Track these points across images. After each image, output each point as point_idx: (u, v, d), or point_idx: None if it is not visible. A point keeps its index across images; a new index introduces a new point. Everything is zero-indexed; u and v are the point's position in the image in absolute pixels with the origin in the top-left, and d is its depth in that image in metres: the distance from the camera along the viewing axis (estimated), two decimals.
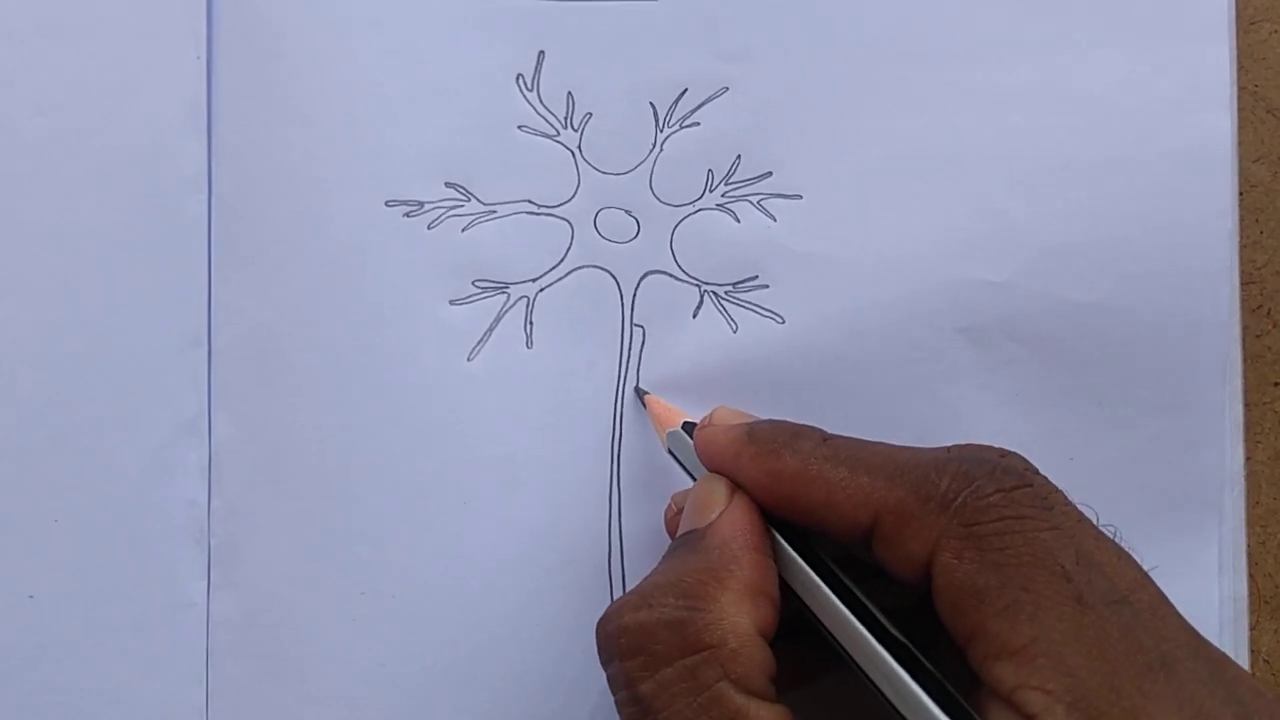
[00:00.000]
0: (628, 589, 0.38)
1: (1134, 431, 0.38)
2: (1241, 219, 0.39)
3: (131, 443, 0.37)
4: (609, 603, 0.37)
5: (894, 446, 0.30)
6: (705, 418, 0.34)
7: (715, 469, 0.32)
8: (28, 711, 0.37)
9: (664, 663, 0.28)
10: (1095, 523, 0.29)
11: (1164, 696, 0.25)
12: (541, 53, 0.39)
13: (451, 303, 0.38)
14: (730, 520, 0.31)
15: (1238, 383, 0.38)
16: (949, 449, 0.30)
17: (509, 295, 0.39)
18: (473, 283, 0.38)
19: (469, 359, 0.38)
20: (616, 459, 0.38)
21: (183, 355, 0.38)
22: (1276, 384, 0.39)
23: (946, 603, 0.28)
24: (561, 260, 0.39)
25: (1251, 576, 0.39)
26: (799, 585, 0.30)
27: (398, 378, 0.38)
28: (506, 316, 0.38)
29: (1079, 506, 0.29)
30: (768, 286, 0.39)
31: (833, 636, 0.29)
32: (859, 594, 0.30)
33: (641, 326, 0.39)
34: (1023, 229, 0.38)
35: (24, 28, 0.38)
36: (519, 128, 0.39)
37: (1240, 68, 0.39)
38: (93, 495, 0.37)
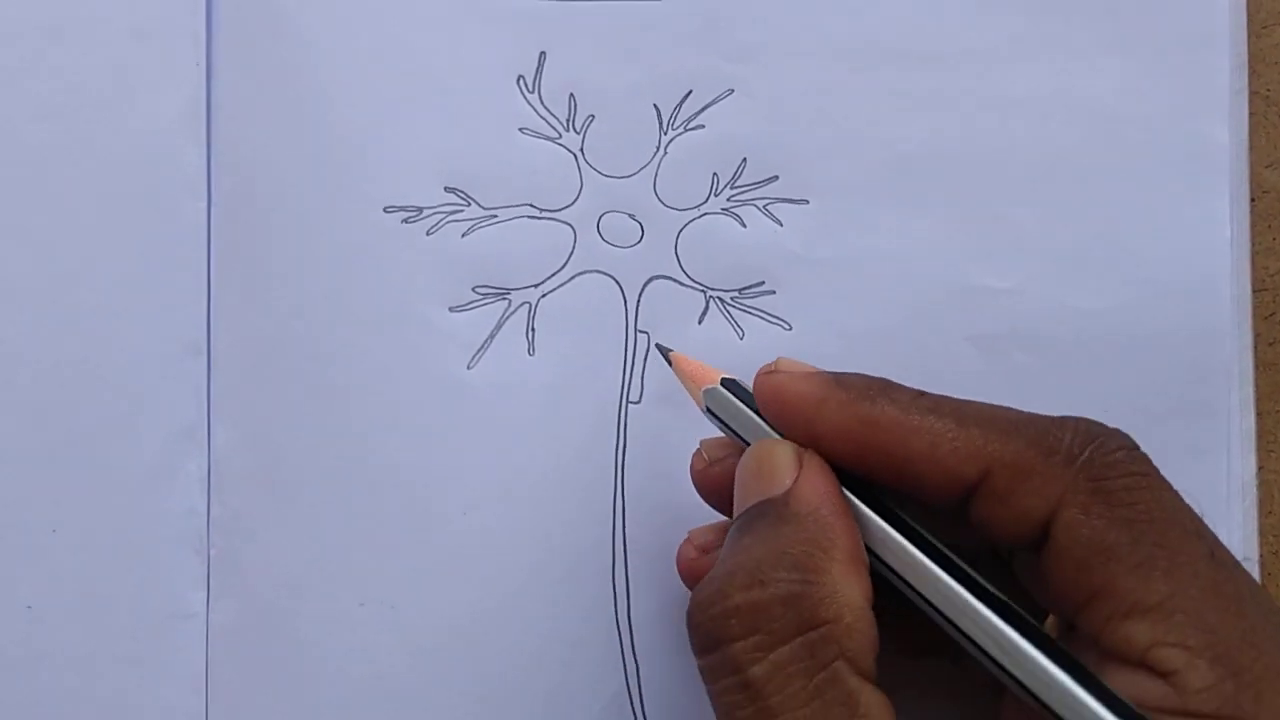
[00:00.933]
0: (632, 599, 0.37)
1: (1139, 439, 0.38)
2: (1254, 225, 0.38)
3: (130, 451, 0.37)
4: (611, 614, 0.37)
5: (994, 405, 0.29)
6: (767, 365, 0.31)
7: (788, 420, 0.30)
8: None
9: (780, 641, 0.26)
10: None
11: None
12: (543, 53, 0.38)
13: (452, 309, 0.38)
14: (812, 485, 0.28)
15: (1249, 391, 0.38)
16: (1059, 415, 0.29)
17: (510, 301, 0.38)
18: (473, 289, 0.38)
19: (470, 366, 0.38)
20: (620, 467, 0.38)
21: (182, 363, 0.37)
22: None
23: (1069, 561, 0.27)
24: (564, 265, 0.38)
25: (1264, 586, 0.38)
26: (883, 549, 0.28)
27: (398, 386, 0.38)
28: (508, 323, 0.38)
29: None
30: (774, 292, 0.38)
31: (928, 601, 0.27)
32: (950, 555, 0.28)
33: (646, 333, 0.38)
34: (1029, 236, 0.38)
35: (23, 31, 0.37)
36: (520, 130, 0.38)
37: (1253, 72, 0.39)
38: (91, 504, 0.37)
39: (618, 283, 0.38)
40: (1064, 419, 0.28)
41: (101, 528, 0.37)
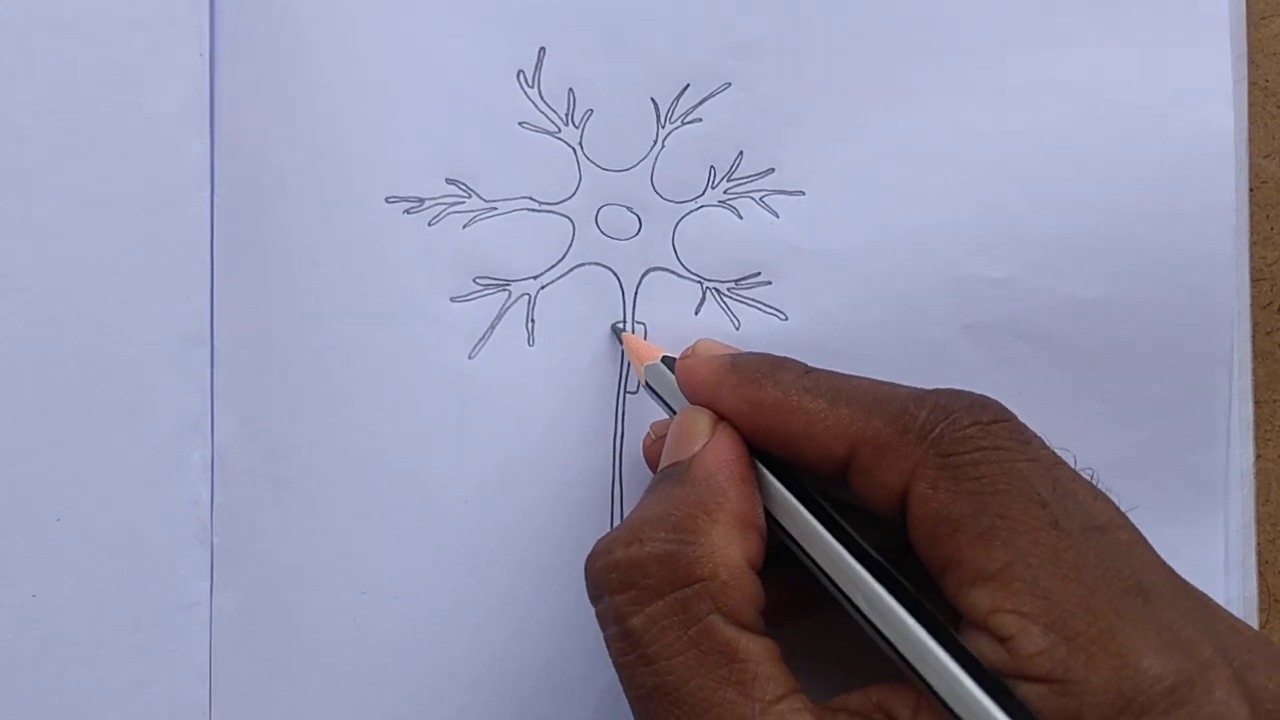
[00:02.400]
0: None
1: (1138, 429, 0.38)
2: (1252, 215, 0.38)
3: (134, 442, 0.37)
4: None
5: (874, 380, 0.30)
6: (688, 348, 0.34)
7: (697, 400, 0.32)
8: (31, 711, 0.37)
9: (655, 596, 0.28)
10: (1073, 465, 0.29)
11: (1140, 620, 0.25)
12: (542, 49, 0.39)
13: (453, 300, 0.38)
14: (715, 451, 0.30)
15: (1247, 380, 0.38)
16: (930, 389, 0.30)
17: (510, 293, 0.38)
18: (474, 280, 0.38)
19: (470, 357, 0.38)
20: (619, 456, 0.38)
21: (185, 354, 0.38)
22: None
23: (922, 533, 0.28)
24: (563, 257, 0.39)
25: (1261, 575, 0.38)
26: (783, 515, 0.30)
27: (399, 376, 0.38)
28: (508, 314, 0.38)
29: (1056, 450, 0.29)
30: (770, 283, 0.38)
31: (816, 565, 0.29)
32: (842, 522, 0.29)
33: (643, 324, 0.38)
34: (1026, 225, 0.38)
35: (26, 24, 0.38)
36: (520, 124, 0.39)
37: (1251, 63, 0.39)
38: (95, 494, 0.37)
39: (616, 274, 0.39)
40: (927, 393, 0.29)
41: (105, 518, 0.37)
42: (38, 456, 0.37)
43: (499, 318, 0.38)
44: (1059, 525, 0.26)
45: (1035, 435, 0.29)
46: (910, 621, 0.27)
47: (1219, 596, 0.38)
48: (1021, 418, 0.37)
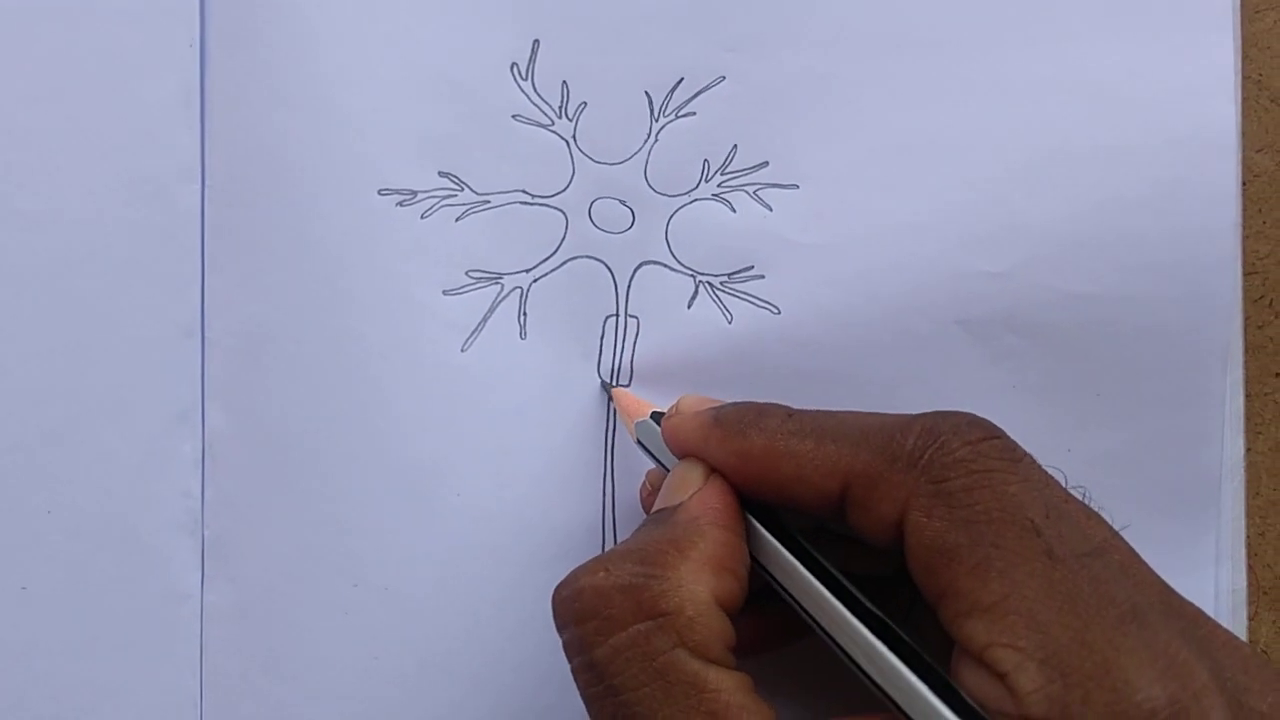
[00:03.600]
0: None
1: (1134, 424, 0.38)
2: (1244, 209, 0.38)
3: (125, 434, 0.37)
4: None
5: (860, 413, 0.30)
6: (671, 407, 0.34)
7: (684, 456, 0.32)
8: (22, 704, 0.37)
9: (618, 627, 0.28)
10: (1064, 484, 0.29)
11: (1136, 649, 0.25)
12: (536, 41, 0.38)
13: (445, 293, 0.38)
14: (701, 499, 0.31)
15: (1239, 374, 0.38)
16: (915, 414, 0.30)
17: (503, 286, 0.38)
18: (466, 273, 0.38)
19: (462, 350, 0.38)
20: (610, 450, 0.38)
21: (176, 346, 0.38)
22: (1277, 375, 0.39)
23: (918, 562, 0.28)
24: (556, 250, 0.38)
25: (1251, 568, 0.38)
26: (773, 564, 0.30)
27: (391, 368, 0.38)
28: (500, 307, 0.38)
29: (1047, 469, 0.29)
30: (763, 277, 0.38)
31: (808, 613, 0.29)
32: (831, 569, 0.29)
33: (636, 317, 0.38)
34: (1022, 220, 0.38)
35: (15, 13, 0.37)
36: (513, 117, 0.38)
37: (1245, 57, 0.39)
38: (86, 487, 0.37)
39: (609, 268, 0.38)
40: (914, 420, 0.29)
41: (96, 510, 0.37)
42: (28, 449, 0.37)
43: (491, 311, 0.38)
44: (1053, 553, 0.26)
45: (1025, 453, 0.29)
46: (900, 667, 0.27)
47: (1210, 589, 0.38)
48: (1016, 412, 0.38)
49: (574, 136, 0.38)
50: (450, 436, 0.38)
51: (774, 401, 0.32)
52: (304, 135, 0.38)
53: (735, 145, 0.38)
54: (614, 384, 0.38)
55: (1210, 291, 0.38)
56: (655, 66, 0.38)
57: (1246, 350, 0.38)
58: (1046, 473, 0.28)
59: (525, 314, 0.38)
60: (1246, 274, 0.38)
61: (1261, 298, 0.39)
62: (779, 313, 0.38)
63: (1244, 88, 0.39)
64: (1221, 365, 0.38)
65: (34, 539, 0.37)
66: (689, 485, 0.31)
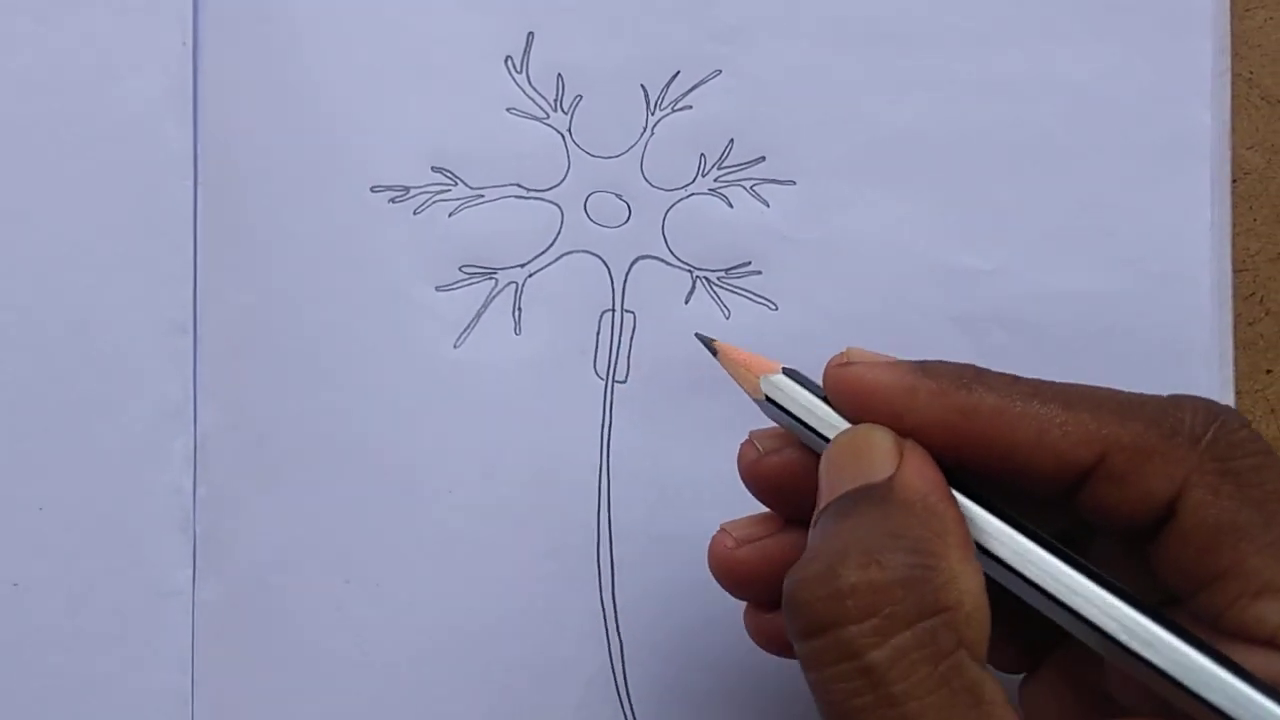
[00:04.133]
0: (616, 577, 0.38)
1: None
2: (1235, 206, 0.39)
3: (116, 430, 0.37)
4: (596, 592, 0.37)
5: (1094, 386, 0.28)
6: (838, 357, 0.30)
7: (873, 414, 0.28)
8: (12, 700, 0.37)
9: (903, 625, 0.24)
10: None
11: None
12: (531, 34, 0.38)
13: (438, 289, 0.38)
14: (918, 472, 0.27)
15: (1229, 371, 0.38)
16: (1170, 395, 0.28)
17: (497, 281, 0.38)
18: (460, 268, 0.38)
19: (456, 345, 0.38)
20: (606, 446, 0.38)
21: (168, 341, 0.37)
22: (1269, 371, 0.39)
23: (1195, 542, 0.26)
24: (551, 245, 0.38)
25: None
26: (989, 539, 0.27)
27: (384, 365, 0.38)
28: (494, 302, 0.38)
29: None
30: (761, 273, 0.38)
31: (1040, 589, 0.26)
32: (1059, 545, 0.27)
33: (632, 312, 0.38)
34: (1011, 217, 0.38)
35: (6, 9, 0.37)
36: (507, 110, 0.38)
37: (1235, 55, 0.39)
38: (77, 483, 0.37)
39: (605, 262, 0.38)
40: (1179, 398, 0.27)
41: (88, 506, 0.37)
42: (19, 445, 0.37)
43: (485, 306, 0.38)
44: None
45: None
46: (1178, 644, 0.25)
47: None
48: None
49: (569, 130, 0.38)
50: (443, 433, 0.38)
51: None
52: (297, 131, 0.38)
53: (732, 139, 0.38)
54: (615, 383, 0.38)
55: (1189, 289, 0.38)
56: (651, 59, 0.38)
57: (1237, 347, 0.39)
58: None
59: (520, 309, 0.38)
60: (1237, 271, 0.39)
61: (1252, 294, 0.39)
62: (777, 309, 0.38)
63: (1234, 85, 0.39)
64: (1205, 361, 0.38)
65: (24, 535, 0.37)
66: (884, 455, 0.27)
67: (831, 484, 0.28)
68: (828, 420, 0.29)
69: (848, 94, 0.38)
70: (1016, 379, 0.28)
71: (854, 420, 0.28)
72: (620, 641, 0.37)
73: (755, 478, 0.31)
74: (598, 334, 0.38)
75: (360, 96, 0.38)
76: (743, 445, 0.31)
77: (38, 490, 0.37)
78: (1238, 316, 0.39)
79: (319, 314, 0.37)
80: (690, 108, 0.38)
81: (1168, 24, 0.39)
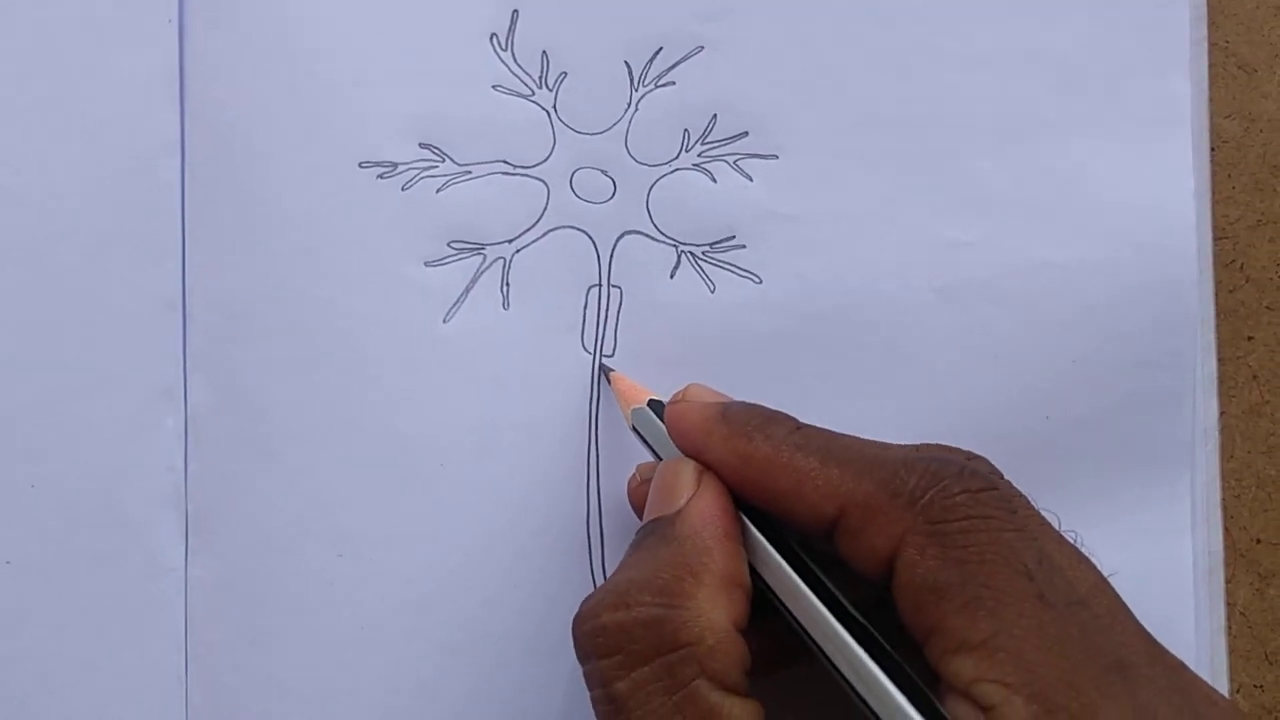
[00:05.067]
0: (606, 549, 0.38)
1: (1109, 389, 0.39)
2: (1213, 175, 0.39)
3: (107, 408, 0.37)
4: (588, 564, 0.38)
5: (864, 440, 0.31)
6: (678, 393, 0.34)
7: (684, 447, 0.32)
8: (6, 679, 0.37)
9: (641, 661, 0.28)
10: (1058, 527, 0.29)
11: (1120, 698, 0.26)
12: (515, 11, 0.39)
13: (427, 264, 0.38)
14: (700, 507, 0.31)
15: (1211, 337, 0.39)
16: (917, 447, 0.30)
17: (485, 256, 0.38)
18: (448, 244, 0.38)
19: (445, 321, 0.38)
20: (594, 420, 0.38)
21: (157, 320, 0.38)
22: (1249, 338, 0.39)
23: (908, 598, 0.28)
24: (537, 221, 0.39)
25: (1226, 530, 0.39)
26: (767, 571, 0.30)
27: (373, 340, 0.38)
28: (482, 278, 0.38)
29: (1042, 511, 0.29)
30: (745, 246, 0.39)
31: (798, 622, 0.29)
32: (826, 580, 0.30)
33: (619, 287, 0.39)
34: (994, 189, 0.39)
35: None
36: (493, 87, 0.39)
37: (1212, 24, 0.39)
38: (69, 461, 0.37)
39: (591, 238, 0.39)
40: (918, 458, 0.29)
41: (80, 484, 0.37)
42: (10, 424, 0.37)
43: (473, 282, 0.38)
44: (1044, 598, 0.27)
45: (1022, 499, 0.29)
46: (889, 686, 0.27)
47: (1187, 553, 0.39)
48: (994, 380, 0.38)
49: (554, 107, 0.39)
50: (434, 407, 0.38)
51: (781, 410, 0.32)
52: (284, 108, 0.38)
53: (715, 115, 0.39)
54: (601, 358, 0.38)
55: (1174, 258, 0.38)
56: (634, 36, 0.39)
57: (1218, 314, 0.39)
58: (1041, 518, 0.29)
59: (508, 285, 0.38)
60: (1217, 239, 0.39)
61: (1232, 262, 0.39)
62: (761, 282, 0.38)
63: (1211, 54, 0.39)
64: (1191, 329, 0.38)
65: (17, 514, 0.37)
66: (683, 488, 0.31)
67: (646, 510, 0.32)
68: (669, 450, 0.33)
69: (829, 68, 0.39)
70: (798, 429, 0.31)
71: (682, 451, 0.33)
72: None
73: (635, 502, 0.36)
74: (584, 309, 0.38)
75: (347, 73, 0.38)
76: (630, 475, 0.36)
77: (29, 469, 0.37)
78: (1218, 284, 0.39)
79: (308, 290, 0.38)
80: (674, 84, 0.39)
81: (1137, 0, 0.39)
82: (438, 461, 0.38)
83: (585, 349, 0.38)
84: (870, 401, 0.38)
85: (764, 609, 0.31)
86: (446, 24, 0.38)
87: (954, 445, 0.31)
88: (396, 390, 0.38)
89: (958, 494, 0.28)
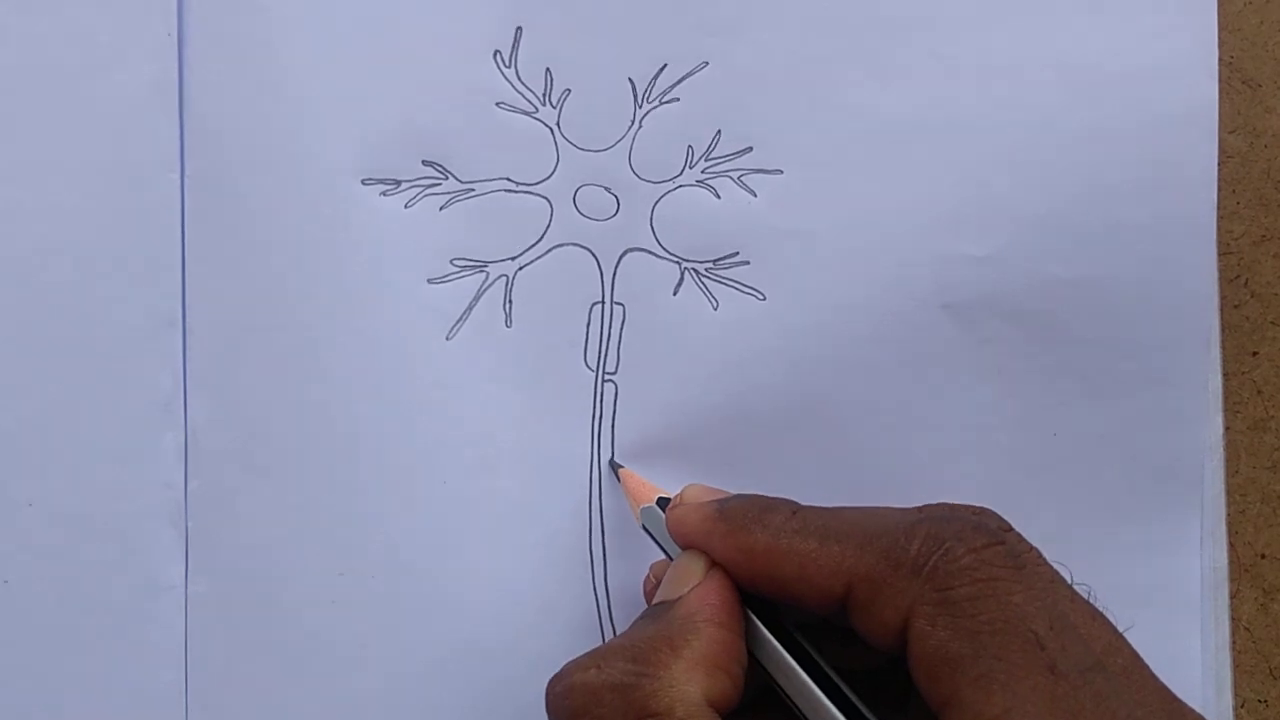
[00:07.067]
0: (609, 565, 0.38)
1: (1118, 406, 0.38)
2: (1219, 190, 0.39)
3: (106, 425, 0.37)
4: (589, 581, 0.37)
5: (864, 511, 0.31)
6: (677, 496, 0.34)
7: (689, 548, 0.32)
8: (5, 698, 0.36)
9: None
10: (1069, 580, 0.29)
11: None
12: (519, 29, 0.38)
13: (430, 282, 0.38)
14: (700, 594, 0.31)
15: (1216, 353, 0.39)
16: (920, 509, 0.30)
17: (488, 274, 0.38)
18: (451, 261, 0.38)
19: (448, 338, 0.38)
20: (596, 437, 0.38)
21: (157, 336, 0.37)
22: (1254, 354, 0.39)
23: (921, 670, 0.28)
24: (541, 238, 0.38)
25: (1231, 545, 0.39)
26: (770, 662, 0.30)
27: (376, 358, 0.38)
28: (485, 295, 0.38)
29: (1053, 565, 0.29)
30: (749, 263, 0.38)
31: (801, 714, 0.29)
32: (829, 671, 0.30)
33: (622, 304, 0.38)
34: (1005, 203, 0.38)
35: None
36: (497, 105, 0.38)
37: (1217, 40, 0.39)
38: (67, 479, 0.37)
39: (594, 255, 0.39)
40: (919, 521, 0.29)
41: (78, 502, 0.37)
42: (8, 441, 0.37)
43: (476, 299, 0.38)
44: (1055, 668, 0.26)
45: (1033, 553, 0.29)
46: None
47: (1195, 569, 0.38)
48: (1002, 396, 0.38)
49: (558, 124, 0.39)
50: (436, 425, 0.38)
51: (781, 496, 0.32)
52: (285, 123, 0.38)
53: (719, 131, 0.39)
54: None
55: (1190, 273, 0.38)
56: (638, 52, 0.39)
57: (1223, 330, 0.39)
58: (1053, 576, 0.29)
59: (511, 302, 0.38)
60: (1222, 254, 0.39)
61: (1237, 277, 0.39)
62: (765, 299, 0.38)
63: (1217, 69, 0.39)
64: (1203, 345, 0.38)
65: (14, 532, 0.37)
66: (689, 579, 0.31)
67: (655, 598, 0.32)
68: (675, 548, 0.33)
69: (834, 82, 0.39)
70: (795, 513, 0.31)
71: (685, 550, 0.33)
72: (614, 629, 0.37)
73: (649, 600, 0.35)
74: (588, 326, 0.38)
75: (349, 90, 0.38)
76: (645, 576, 0.36)
77: (27, 486, 0.37)
78: (1223, 299, 0.39)
79: (309, 306, 0.37)
80: (678, 100, 0.39)
81: (1161, 4, 0.39)
82: (439, 479, 0.38)
83: (588, 366, 0.38)
84: (876, 419, 0.38)
85: (774, 701, 0.31)
86: (450, 40, 0.38)
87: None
88: (398, 407, 0.38)
89: (962, 555, 0.28)
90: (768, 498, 0.32)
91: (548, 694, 0.29)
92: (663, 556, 0.35)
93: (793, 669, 0.30)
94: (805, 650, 0.30)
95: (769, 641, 0.30)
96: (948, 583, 0.28)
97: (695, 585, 0.31)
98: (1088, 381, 0.38)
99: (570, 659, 0.29)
